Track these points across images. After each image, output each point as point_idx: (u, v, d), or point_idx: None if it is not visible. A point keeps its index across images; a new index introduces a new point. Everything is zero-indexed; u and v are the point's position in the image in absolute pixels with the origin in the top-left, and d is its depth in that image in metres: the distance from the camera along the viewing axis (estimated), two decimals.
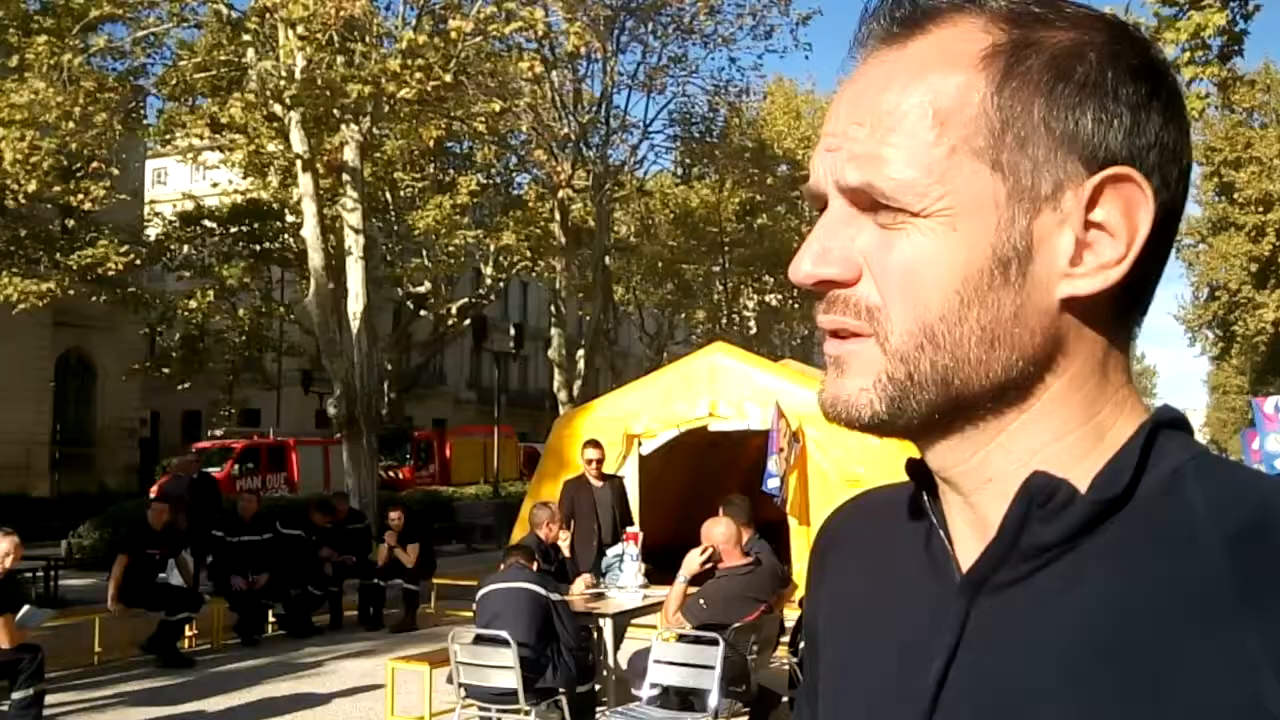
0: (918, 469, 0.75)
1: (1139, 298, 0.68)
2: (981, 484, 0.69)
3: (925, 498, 0.75)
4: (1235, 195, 35.04)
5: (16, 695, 6.57)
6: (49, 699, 7.16)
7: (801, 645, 0.96)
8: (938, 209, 0.64)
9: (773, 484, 8.74)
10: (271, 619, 10.70)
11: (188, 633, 9.88)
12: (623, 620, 7.52)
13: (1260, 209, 34.01)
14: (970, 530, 0.70)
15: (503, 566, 6.20)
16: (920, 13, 0.68)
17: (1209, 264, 38.01)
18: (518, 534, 9.75)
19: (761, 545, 6.56)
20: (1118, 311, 0.67)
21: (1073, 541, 0.64)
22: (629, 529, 7.81)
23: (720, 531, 6.11)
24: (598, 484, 8.21)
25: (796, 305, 35.00)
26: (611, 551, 8.04)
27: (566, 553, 7.91)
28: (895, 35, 0.68)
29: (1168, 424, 0.67)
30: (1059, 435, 0.67)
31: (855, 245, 0.67)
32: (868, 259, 0.66)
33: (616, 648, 7.02)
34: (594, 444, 8.50)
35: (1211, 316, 39.57)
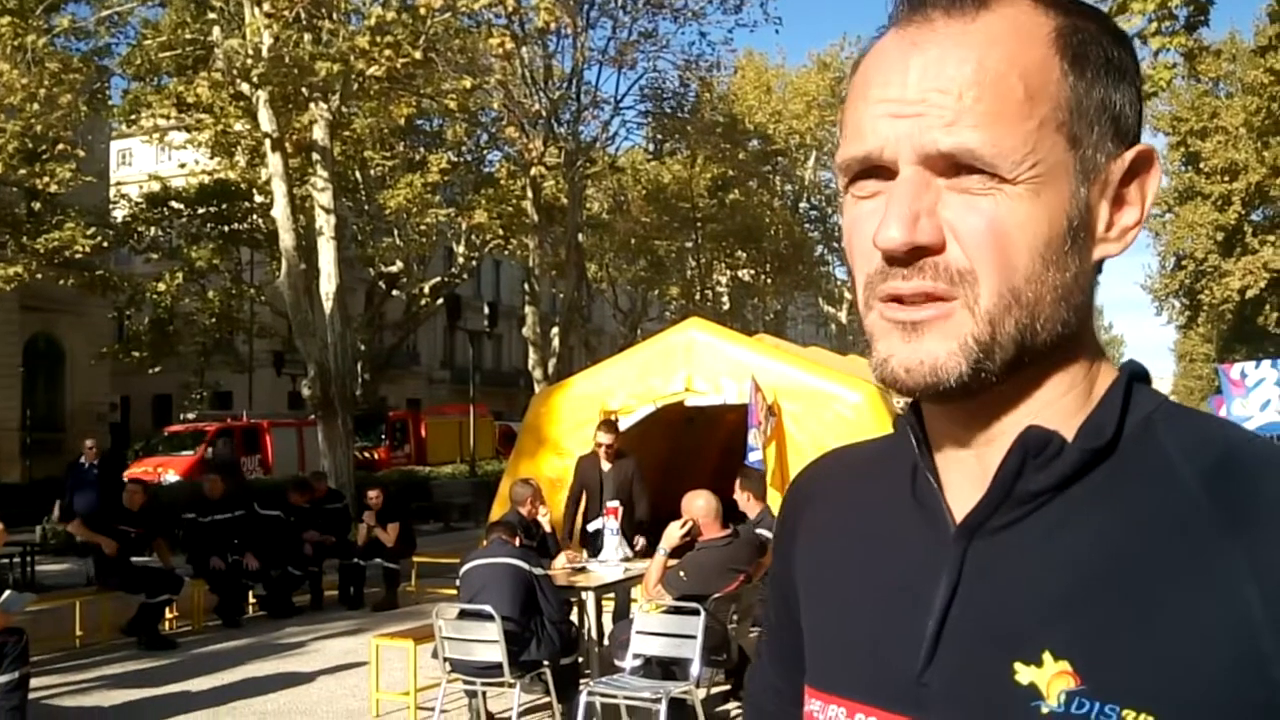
0: (908, 423, 0.80)
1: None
2: (996, 438, 0.74)
3: (918, 449, 0.79)
4: (1201, 165, 35.35)
5: (1, 679, 6.57)
6: (32, 682, 7.17)
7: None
8: (1028, 176, 0.68)
9: (754, 457, 8.82)
10: (252, 599, 10.72)
11: (168, 615, 9.88)
12: (624, 596, 7.60)
13: (1226, 178, 34.34)
14: (967, 480, 0.75)
15: (485, 542, 6.24)
16: None
17: (1175, 233, 38.35)
18: (496, 511, 9.78)
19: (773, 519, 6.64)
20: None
21: (1063, 488, 0.71)
22: (609, 504, 7.86)
23: (700, 505, 6.18)
24: (607, 465, 8.28)
25: (769, 281, 35.09)
26: (591, 526, 8.11)
27: (547, 528, 7.98)
28: (961, 8, 0.70)
29: (1137, 376, 0.75)
30: (1070, 387, 0.74)
31: (938, 211, 0.69)
32: (952, 224, 0.69)
33: (616, 621, 7.10)
34: (607, 427, 8.49)
35: (1178, 285, 39.95)
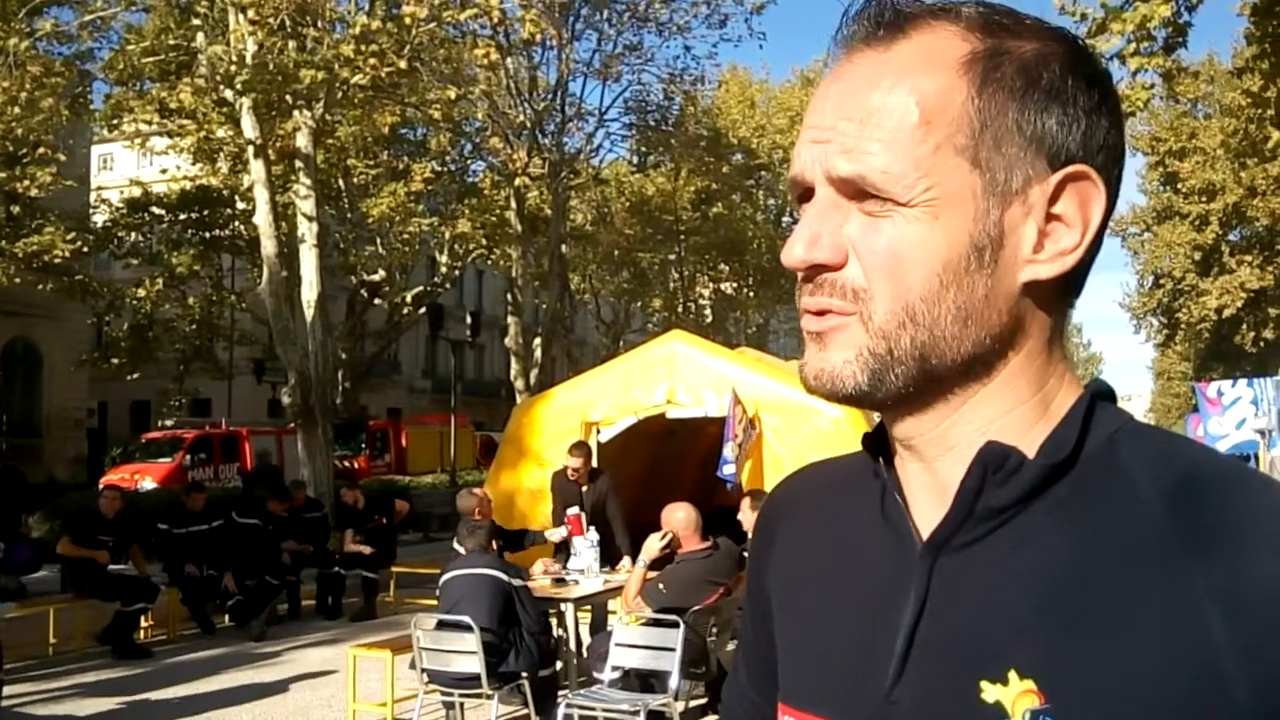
0: (873, 440, 0.82)
1: (1078, 283, 0.75)
2: (944, 451, 0.75)
3: (882, 466, 0.80)
4: (1179, 185, 35.72)
5: None
6: (4, 690, 7.10)
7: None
8: (923, 199, 0.70)
9: (728, 470, 8.82)
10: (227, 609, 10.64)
11: (143, 623, 9.80)
12: (600, 608, 7.61)
13: (1204, 198, 34.70)
14: (928, 494, 0.76)
15: (457, 541, 6.22)
16: (902, 17, 0.74)
17: (1153, 252, 38.68)
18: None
19: None
20: (1061, 295, 0.75)
21: (1024, 503, 0.71)
22: (570, 513, 7.78)
23: (680, 517, 6.19)
24: (585, 486, 8.22)
25: (751, 294, 35.17)
26: (555, 536, 7.96)
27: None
28: (879, 37, 0.73)
29: (1102, 395, 0.75)
30: (1014, 405, 0.74)
31: (843, 232, 0.72)
32: (854, 244, 0.72)
33: (593, 633, 7.11)
34: (578, 449, 8.33)
35: (1156, 304, 40.30)
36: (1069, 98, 0.72)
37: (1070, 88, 0.72)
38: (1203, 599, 0.64)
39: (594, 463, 8.58)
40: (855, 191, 0.72)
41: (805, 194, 0.76)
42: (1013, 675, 0.68)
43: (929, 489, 0.76)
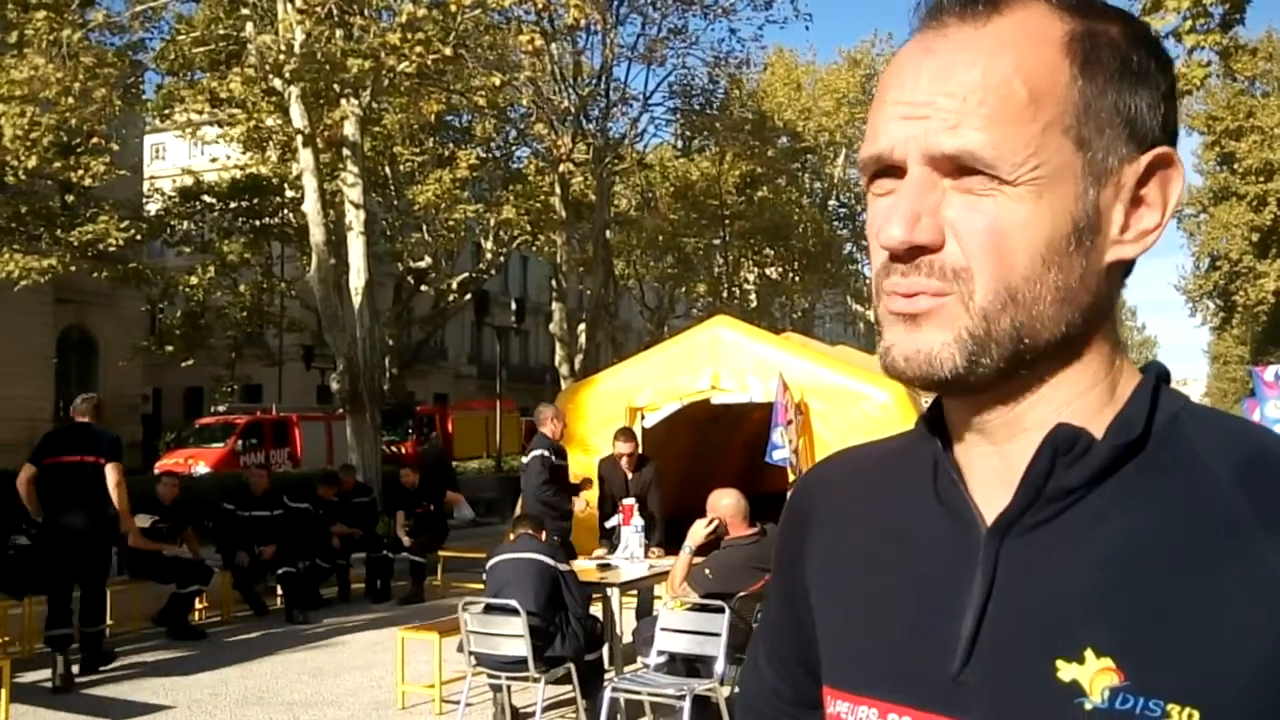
0: (928, 423, 0.81)
1: (1134, 265, 0.76)
2: (1018, 433, 0.75)
3: (940, 447, 0.80)
4: (1236, 165, 34.96)
5: None
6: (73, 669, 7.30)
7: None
8: (1029, 178, 0.70)
9: (780, 455, 8.80)
10: (279, 593, 10.78)
11: (198, 605, 9.98)
12: (647, 593, 7.71)
13: (1261, 178, 33.95)
14: (991, 476, 0.76)
15: (511, 537, 6.26)
16: None
17: (1210, 234, 37.97)
18: (522, 507, 9.82)
19: None
20: (1124, 276, 0.76)
21: (1094, 484, 0.71)
22: (624, 503, 7.88)
23: (726, 503, 6.17)
24: (630, 474, 8.32)
25: (797, 279, 34.97)
26: (609, 522, 8.14)
27: (581, 505, 8.39)
28: (974, 13, 0.73)
29: (1162, 377, 0.76)
30: (1090, 386, 0.74)
31: (941, 211, 0.71)
32: (953, 224, 0.71)
33: (638, 618, 7.16)
34: (625, 435, 8.52)
35: (1212, 286, 39.58)
36: (1154, 81, 0.73)
37: (1154, 71, 0.73)
38: (1278, 572, 0.65)
39: (640, 450, 8.62)
40: (954, 168, 0.71)
41: (882, 171, 0.74)
42: (1089, 653, 0.68)
43: (994, 471, 0.76)
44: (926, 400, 0.84)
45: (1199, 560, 0.67)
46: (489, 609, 5.93)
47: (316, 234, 16.42)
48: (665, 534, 8.05)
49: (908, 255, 0.72)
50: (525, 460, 8.40)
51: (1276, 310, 35.59)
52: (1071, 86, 0.71)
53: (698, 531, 6.14)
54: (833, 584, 0.85)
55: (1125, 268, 0.75)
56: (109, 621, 9.24)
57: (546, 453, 8.20)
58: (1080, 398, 0.74)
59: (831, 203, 37.03)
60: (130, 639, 9.16)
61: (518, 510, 9.52)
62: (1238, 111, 34.16)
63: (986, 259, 0.70)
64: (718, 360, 10.29)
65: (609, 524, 8.14)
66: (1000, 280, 0.70)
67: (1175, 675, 0.65)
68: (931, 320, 0.72)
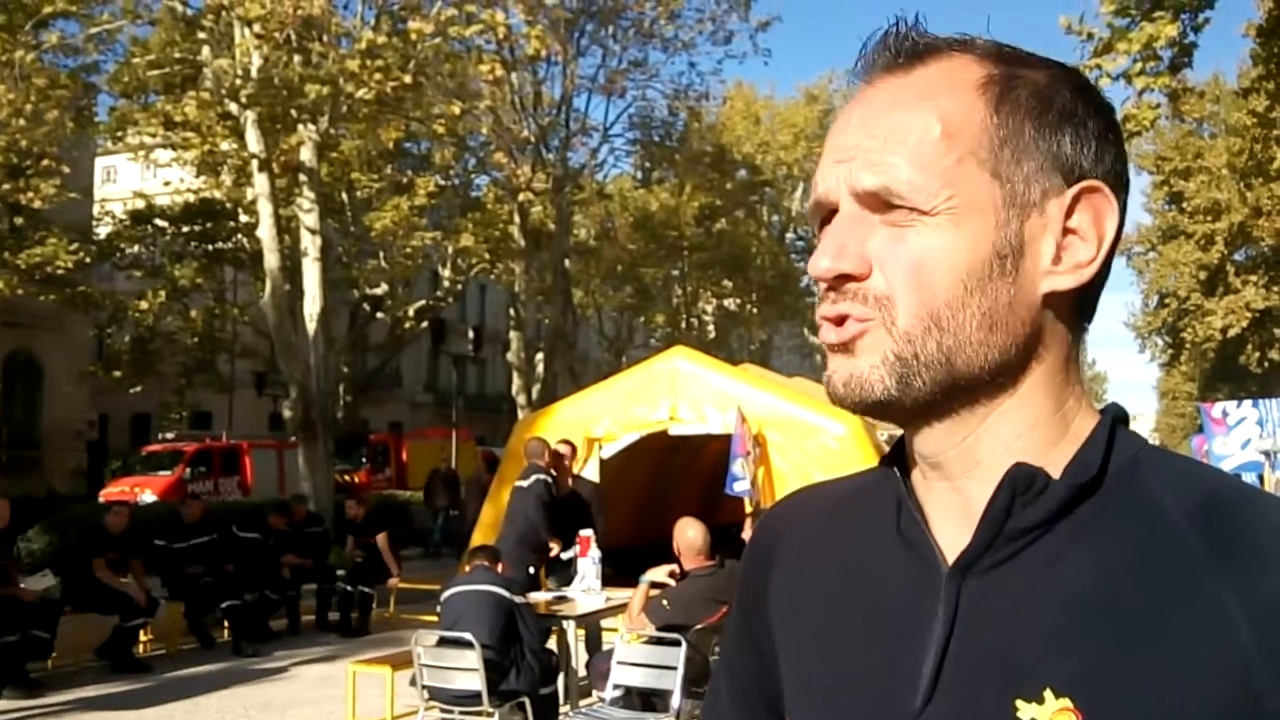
0: (891, 461, 0.83)
1: (1092, 302, 0.78)
2: (971, 468, 0.76)
3: (902, 484, 0.81)
4: (1185, 204, 35.71)
5: None
6: (2, 705, 7.05)
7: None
8: (946, 208, 0.73)
9: (740, 486, 8.80)
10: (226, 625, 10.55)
11: (143, 637, 9.73)
12: (595, 627, 7.62)
13: (1209, 218, 34.67)
14: (951, 514, 0.77)
15: (467, 568, 6.18)
16: (921, 47, 0.78)
17: (1159, 272, 38.68)
18: (477, 539, 9.72)
19: None
20: (1077, 315, 0.78)
21: (1050, 524, 0.72)
22: (581, 534, 7.82)
23: (690, 535, 6.13)
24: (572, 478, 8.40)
25: (755, 310, 35.17)
26: (565, 555, 8.11)
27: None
28: (899, 64, 0.78)
29: (1119, 419, 0.77)
30: (1037, 421, 0.75)
31: (867, 243, 0.74)
32: (878, 255, 0.74)
33: (591, 652, 7.08)
34: (566, 443, 8.77)
35: (1161, 323, 40.25)
36: (1080, 120, 0.76)
37: (1081, 112, 0.76)
38: (1234, 612, 0.66)
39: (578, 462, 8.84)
40: (879, 204, 0.74)
41: (828, 217, 0.78)
42: (1048, 694, 0.68)
43: (953, 508, 0.77)
44: (883, 432, 0.84)
45: (1155, 601, 0.68)
46: (443, 641, 5.83)
47: (271, 259, 16.26)
48: (616, 563, 8.02)
49: (836, 283, 0.75)
50: (524, 483, 8.30)
51: (1224, 347, 36.28)
52: (987, 122, 0.74)
53: (658, 573, 6.11)
54: (796, 620, 0.85)
55: (1080, 307, 0.77)
56: (51, 654, 9.00)
57: (548, 479, 8.22)
58: (1030, 432, 0.75)
59: (789, 235, 37.36)
60: (72, 671, 8.91)
61: (473, 539, 9.42)
62: (1186, 152, 34.95)
63: (908, 286, 0.73)
64: (676, 391, 10.29)
65: (565, 555, 8.07)
66: (923, 305, 0.73)
67: (1132, 714, 0.66)
68: (859, 344, 0.75)
